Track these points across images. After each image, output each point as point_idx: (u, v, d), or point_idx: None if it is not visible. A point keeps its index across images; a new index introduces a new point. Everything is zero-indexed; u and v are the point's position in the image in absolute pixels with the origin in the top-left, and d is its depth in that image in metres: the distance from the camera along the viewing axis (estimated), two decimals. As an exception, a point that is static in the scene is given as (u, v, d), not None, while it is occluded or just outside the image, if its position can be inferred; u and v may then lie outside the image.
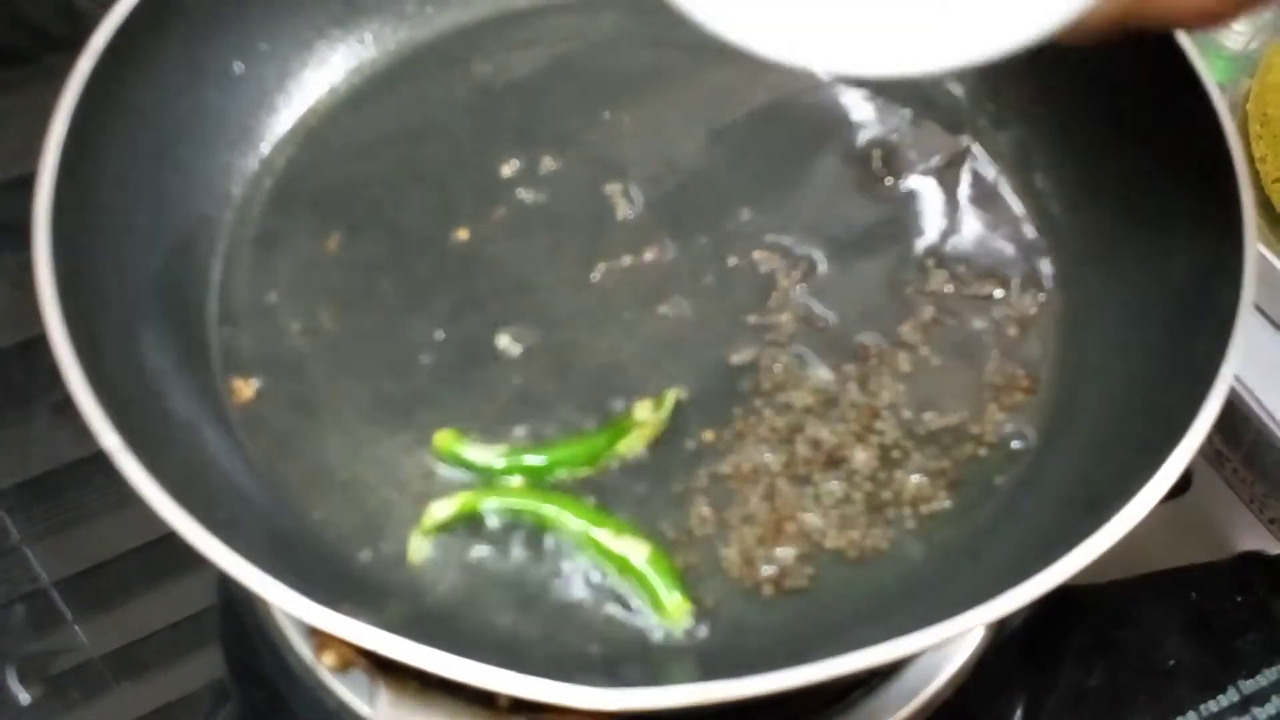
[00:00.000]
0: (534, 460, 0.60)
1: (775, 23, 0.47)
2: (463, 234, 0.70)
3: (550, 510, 0.58)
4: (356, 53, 0.77)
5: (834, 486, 0.60)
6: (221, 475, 0.59)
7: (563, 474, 0.60)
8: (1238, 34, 0.85)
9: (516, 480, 0.59)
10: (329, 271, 0.68)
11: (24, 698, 0.64)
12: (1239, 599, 0.67)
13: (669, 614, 0.56)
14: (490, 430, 0.61)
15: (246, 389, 0.62)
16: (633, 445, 0.60)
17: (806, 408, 0.62)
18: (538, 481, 0.59)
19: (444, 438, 0.61)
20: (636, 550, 0.56)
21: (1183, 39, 0.62)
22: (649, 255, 0.68)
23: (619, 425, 0.61)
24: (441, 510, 0.58)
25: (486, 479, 0.60)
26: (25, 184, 0.58)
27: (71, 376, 0.52)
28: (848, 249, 0.69)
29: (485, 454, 0.60)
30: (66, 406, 0.52)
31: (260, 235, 0.69)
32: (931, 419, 0.62)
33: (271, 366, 0.64)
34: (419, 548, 0.58)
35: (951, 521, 0.59)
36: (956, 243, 0.69)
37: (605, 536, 0.57)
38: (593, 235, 0.69)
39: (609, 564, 0.57)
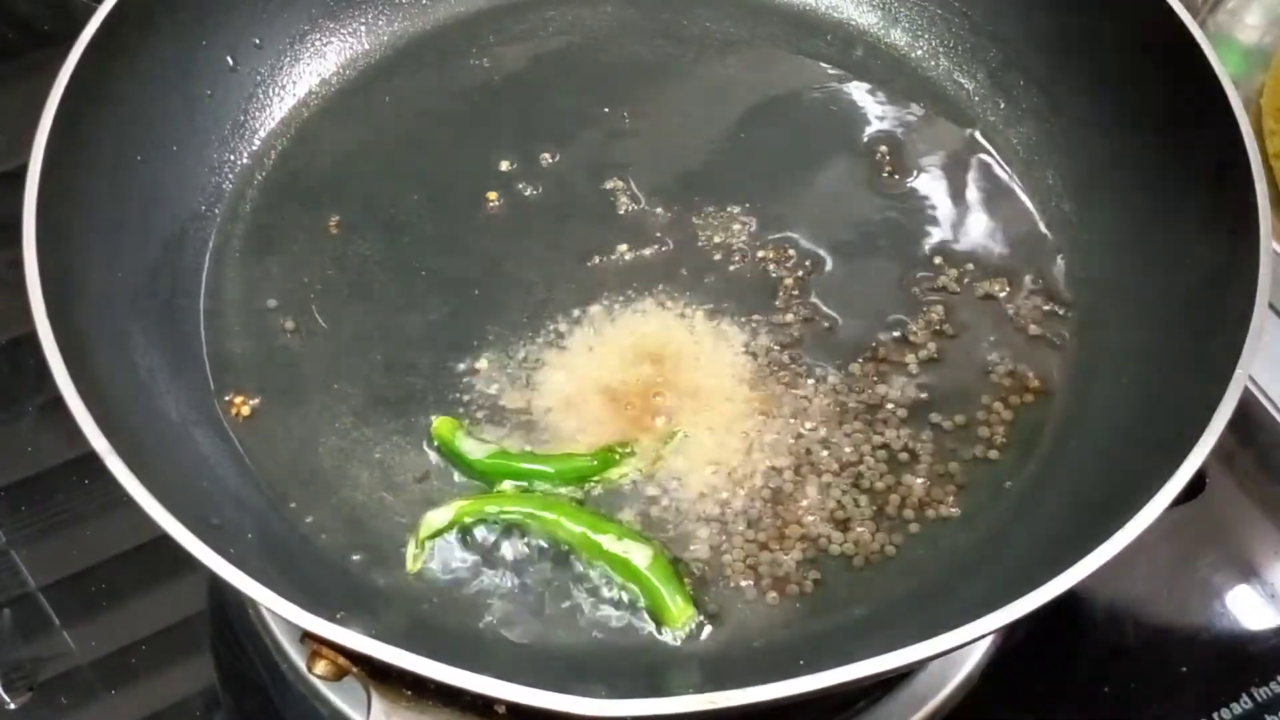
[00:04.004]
0: (527, 465, 0.59)
1: None
2: (459, 229, 0.68)
3: (550, 516, 0.56)
4: (350, 45, 0.76)
5: (839, 490, 0.59)
6: (214, 478, 0.58)
7: (554, 485, 0.58)
8: (1251, 28, 0.84)
9: (507, 486, 0.58)
10: (321, 268, 0.67)
11: (11, 705, 0.63)
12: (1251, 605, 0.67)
13: (673, 619, 0.54)
14: (482, 430, 0.60)
15: (244, 408, 0.62)
16: (625, 472, 0.59)
17: (811, 410, 0.61)
18: (528, 486, 0.58)
19: (443, 425, 0.60)
20: (639, 554, 0.55)
21: (1197, 32, 0.61)
22: (649, 252, 0.67)
23: (611, 453, 0.60)
24: (438, 518, 0.57)
25: (480, 479, 0.59)
26: (13, 179, 0.57)
27: (60, 376, 0.51)
28: (854, 247, 0.67)
29: (478, 450, 0.59)
30: (55, 407, 0.51)
31: (252, 231, 0.68)
32: (939, 421, 0.61)
33: (264, 367, 0.63)
34: (416, 555, 0.57)
35: (959, 526, 0.58)
36: (966, 241, 0.68)
37: (607, 541, 0.56)
38: (592, 231, 0.68)
39: (611, 570, 0.56)
